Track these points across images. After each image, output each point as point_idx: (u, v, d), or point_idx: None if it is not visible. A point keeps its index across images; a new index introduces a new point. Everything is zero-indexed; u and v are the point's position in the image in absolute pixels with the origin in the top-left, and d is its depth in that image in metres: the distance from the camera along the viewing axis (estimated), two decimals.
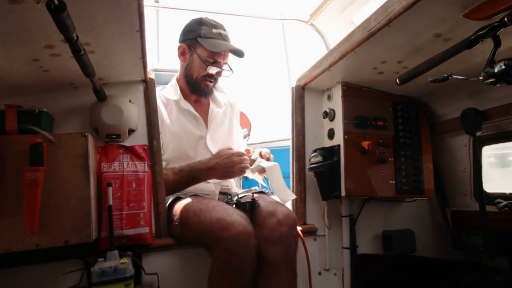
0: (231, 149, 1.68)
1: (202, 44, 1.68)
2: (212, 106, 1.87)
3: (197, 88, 1.76)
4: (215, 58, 1.71)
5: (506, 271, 1.58)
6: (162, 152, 1.69)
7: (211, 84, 1.78)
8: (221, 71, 1.76)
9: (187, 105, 1.76)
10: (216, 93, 1.91)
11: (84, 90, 1.40)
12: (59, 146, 1.20)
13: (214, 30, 1.71)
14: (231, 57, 1.78)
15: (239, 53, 1.75)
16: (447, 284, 1.69)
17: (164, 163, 1.69)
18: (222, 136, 1.87)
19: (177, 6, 2.51)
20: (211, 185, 1.74)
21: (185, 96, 1.79)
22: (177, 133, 1.71)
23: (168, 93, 1.78)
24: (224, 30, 1.75)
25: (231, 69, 1.78)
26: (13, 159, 1.14)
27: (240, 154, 1.62)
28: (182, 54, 1.76)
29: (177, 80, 1.83)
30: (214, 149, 1.76)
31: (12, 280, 1.30)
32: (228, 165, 1.59)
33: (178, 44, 1.78)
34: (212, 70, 1.72)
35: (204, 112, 1.83)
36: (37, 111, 1.24)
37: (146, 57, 1.28)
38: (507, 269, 1.58)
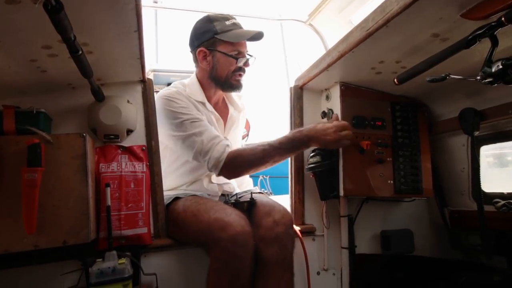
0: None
1: (223, 39, 1.62)
2: (231, 110, 1.84)
3: (228, 86, 1.70)
4: (238, 49, 1.66)
5: (504, 271, 1.58)
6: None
7: (242, 77, 1.71)
8: (248, 60, 1.71)
9: (211, 108, 1.72)
10: (233, 94, 1.86)
11: (82, 91, 1.40)
12: (57, 147, 1.19)
13: (227, 22, 1.65)
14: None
15: (259, 36, 1.67)
16: (445, 284, 1.70)
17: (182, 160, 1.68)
18: (234, 140, 1.85)
19: (176, 6, 2.51)
20: (215, 186, 1.74)
21: (207, 98, 1.73)
22: None
23: (193, 94, 1.70)
24: (235, 18, 1.70)
25: (252, 56, 1.72)
26: (11, 159, 1.14)
27: (342, 128, 1.51)
28: (203, 58, 1.68)
29: (199, 81, 1.75)
30: None
31: (11, 281, 1.30)
32: (328, 140, 1.50)
33: (196, 50, 1.69)
34: (241, 61, 1.67)
35: (222, 116, 1.79)
36: (35, 112, 1.24)
37: (144, 58, 1.28)
38: (506, 268, 1.58)
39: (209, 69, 1.69)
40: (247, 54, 1.71)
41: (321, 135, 1.49)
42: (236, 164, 1.54)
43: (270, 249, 1.37)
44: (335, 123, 1.54)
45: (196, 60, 1.73)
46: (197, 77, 1.76)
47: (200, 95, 1.70)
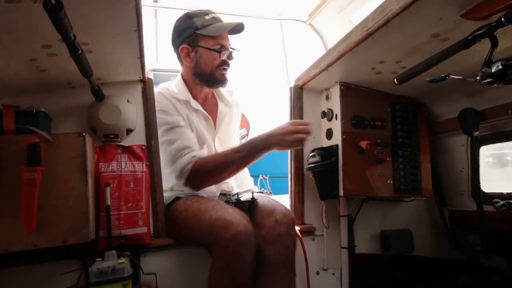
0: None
1: (204, 34, 1.63)
2: (221, 106, 1.83)
3: (213, 81, 1.70)
4: (220, 42, 1.66)
5: (504, 271, 1.58)
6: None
7: (226, 71, 1.72)
8: (232, 53, 1.71)
9: (197, 105, 1.72)
10: (222, 90, 1.86)
11: (82, 90, 1.40)
12: (56, 146, 1.19)
13: (207, 17, 1.66)
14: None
15: (240, 28, 1.69)
16: (445, 284, 1.70)
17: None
18: (229, 136, 1.85)
19: (176, 6, 2.51)
20: (212, 187, 1.74)
21: (193, 96, 1.74)
22: None
23: (176, 93, 1.70)
24: (214, 13, 1.71)
25: (235, 49, 1.73)
26: (11, 159, 1.13)
27: (298, 124, 1.53)
28: (187, 55, 1.69)
29: (184, 80, 1.76)
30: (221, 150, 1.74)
31: (10, 280, 1.29)
32: (283, 133, 1.50)
33: (179, 48, 1.69)
34: (224, 55, 1.68)
35: (212, 112, 1.79)
36: (34, 111, 1.23)
37: (144, 57, 1.27)
38: (505, 268, 1.58)
39: (193, 65, 1.70)
40: (230, 48, 1.71)
41: (278, 131, 1.51)
42: (201, 174, 1.56)
43: (272, 249, 1.36)
44: (293, 123, 1.55)
45: (180, 58, 1.74)
46: (182, 76, 1.78)
47: (184, 93, 1.71)
